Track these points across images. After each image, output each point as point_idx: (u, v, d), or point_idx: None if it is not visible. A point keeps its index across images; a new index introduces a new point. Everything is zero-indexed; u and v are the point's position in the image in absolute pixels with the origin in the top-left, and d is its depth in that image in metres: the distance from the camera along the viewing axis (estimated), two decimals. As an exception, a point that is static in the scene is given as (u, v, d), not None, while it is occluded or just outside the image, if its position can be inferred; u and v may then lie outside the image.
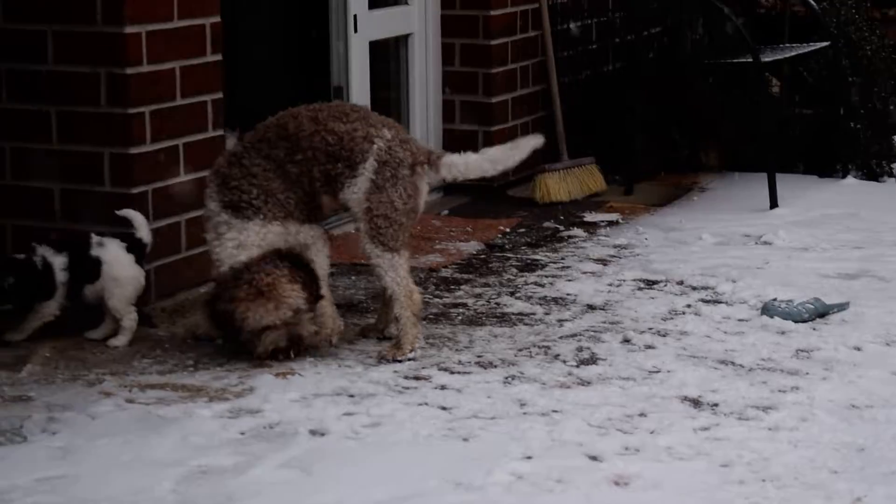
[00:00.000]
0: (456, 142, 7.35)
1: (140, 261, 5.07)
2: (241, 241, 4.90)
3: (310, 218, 5.02)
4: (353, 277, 5.86)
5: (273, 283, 4.79)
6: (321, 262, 5.07)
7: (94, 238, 5.01)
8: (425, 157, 5.05)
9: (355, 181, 4.89)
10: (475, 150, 7.20)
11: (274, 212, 4.90)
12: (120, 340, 5.02)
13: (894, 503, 3.76)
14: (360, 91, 6.85)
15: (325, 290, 5.04)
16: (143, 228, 5.07)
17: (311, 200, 4.97)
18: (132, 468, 4.00)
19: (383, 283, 4.96)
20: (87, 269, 4.98)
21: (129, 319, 5.04)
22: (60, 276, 4.95)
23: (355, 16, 6.80)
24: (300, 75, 7.98)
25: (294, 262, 4.89)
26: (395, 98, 7.29)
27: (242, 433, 4.26)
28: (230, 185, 4.90)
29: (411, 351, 4.90)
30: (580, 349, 5.02)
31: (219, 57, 5.59)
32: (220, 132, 5.62)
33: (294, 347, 4.85)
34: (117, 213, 5.09)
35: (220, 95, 5.62)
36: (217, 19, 5.56)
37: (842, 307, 5.42)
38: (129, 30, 5.20)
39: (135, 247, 5.05)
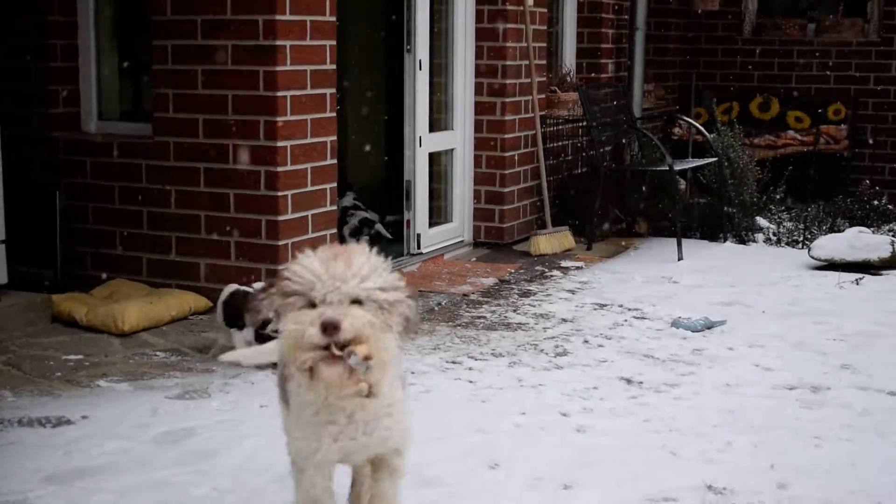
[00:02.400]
0: (481, 215, 7.37)
1: None
2: None
3: None
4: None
5: None
6: None
7: None
8: None
9: None
10: (493, 222, 7.29)
11: None
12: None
13: (752, 447, 3.75)
14: (421, 184, 6.86)
15: None
16: None
17: None
18: (276, 416, 4.01)
19: None
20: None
21: None
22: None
23: (420, 137, 6.82)
24: (385, 172, 8.05)
25: None
26: (444, 189, 7.30)
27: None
28: None
29: None
30: (557, 346, 5.01)
31: (335, 161, 5.61)
32: (334, 207, 5.64)
33: None
34: None
35: (335, 185, 5.63)
36: (334, 138, 5.59)
37: (721, 323, 5.40)
38: (280, 144, 5.25)
39: None
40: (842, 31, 9.73)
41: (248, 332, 4.59)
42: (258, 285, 4.57)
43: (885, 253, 6.71)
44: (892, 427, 3.97)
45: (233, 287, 4.74)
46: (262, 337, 4.49)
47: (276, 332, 2.49)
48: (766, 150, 9.31)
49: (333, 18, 5.52)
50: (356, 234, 7.12)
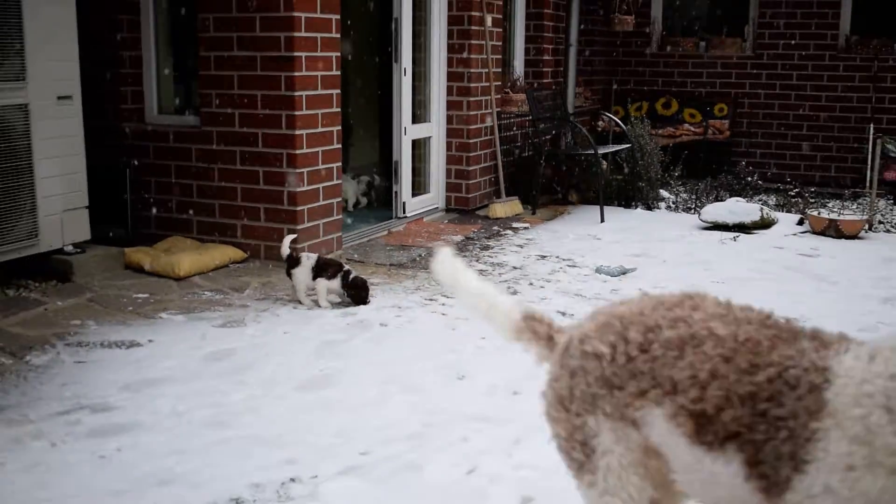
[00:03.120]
0: (451, 188, 7.36)
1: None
2: None
3: None
4: (401, 251, 5.88)
5: None
6: None
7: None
8: None
9: None
10: (461, 193, 7.30)
11: None
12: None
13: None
14: (406, 163, 6.85)
15: None
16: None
17: None
18: (299, 340, 4.04)
19: None
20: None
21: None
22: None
23: (405, 127, 6.80)
24: (379, 152, 8.02)
25: None
26: (423, 167, 7.27)
27: (348, 324, 4.29)
28: None
29: None
30: (509, 287, 5.03)
31: (340, 146, 5.59)
32: (339, 182, 5.62)
33: None
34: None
35: (339, 164, 5.60)
36: (339, 128, 5.56)
37: (633, 270, 5.45)
38: (297, 132, 5.22)
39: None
40: (725, 48, 9.74)
41: (336, 282, 4.53)
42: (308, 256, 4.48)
43: (756, 217, 6.78)
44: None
45: (314, 255, 4.60)
46: (348, 284, 4.49)
47: None
48: (668, 139, 9.34)
49: (338, 36, 5.47)
50: (366, 194, 7.25)
